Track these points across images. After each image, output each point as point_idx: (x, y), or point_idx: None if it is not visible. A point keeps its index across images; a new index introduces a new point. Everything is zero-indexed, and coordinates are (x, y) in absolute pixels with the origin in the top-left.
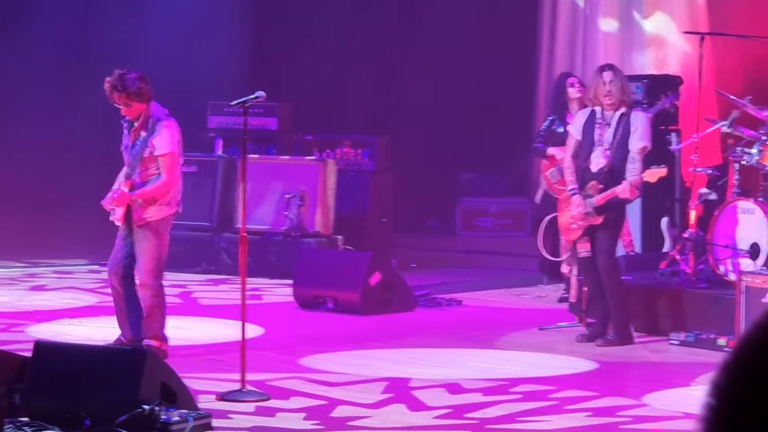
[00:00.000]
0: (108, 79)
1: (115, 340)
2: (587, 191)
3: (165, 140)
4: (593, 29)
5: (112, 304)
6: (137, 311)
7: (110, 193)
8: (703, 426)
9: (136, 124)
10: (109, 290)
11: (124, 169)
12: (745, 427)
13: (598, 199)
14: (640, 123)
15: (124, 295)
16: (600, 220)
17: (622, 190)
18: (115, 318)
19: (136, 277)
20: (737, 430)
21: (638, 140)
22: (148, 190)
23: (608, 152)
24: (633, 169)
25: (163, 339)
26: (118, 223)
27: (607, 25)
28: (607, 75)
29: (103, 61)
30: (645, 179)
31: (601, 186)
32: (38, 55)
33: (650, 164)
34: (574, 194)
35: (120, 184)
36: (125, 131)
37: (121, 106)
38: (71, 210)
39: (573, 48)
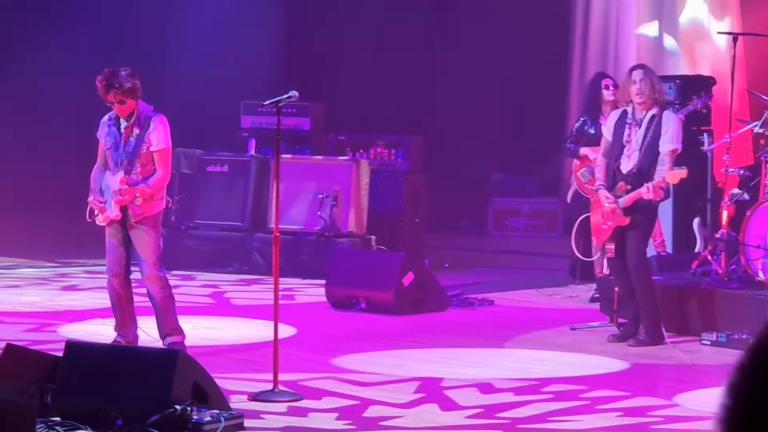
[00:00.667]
0: (99, 77)
1: (113, 342)
2: (615, 192)
3: (161, 135)
4: (625, 31)
5: (111, 305)
6: (133, 311)
7: (92, 195)
8: (720, 426)
9: (126, 122)
10: (137, 291)
11: (96, 167)
12: (760, 427)
13: (624, 201)
14: (671, 125)
15: (125, 296)
16: (627, 221)
17: (645, 191)
18: (115, 321)
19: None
20: (753, 429)
21: (668, 142)
22: (148, 185)
23: (637, 153)
24: (661, 171)
25: (181, 331)
26: (102, 223)
27: (639, 27)
28: (637, 74)
29: (139, 62)
30: (667, 180)
31: (629, 187)
32: (74, 58)
33: (681, 164)
34: (599, 189)
35: (112, 182)
36: (108, 129)
37: (114, 104)
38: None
39: (605, 49)
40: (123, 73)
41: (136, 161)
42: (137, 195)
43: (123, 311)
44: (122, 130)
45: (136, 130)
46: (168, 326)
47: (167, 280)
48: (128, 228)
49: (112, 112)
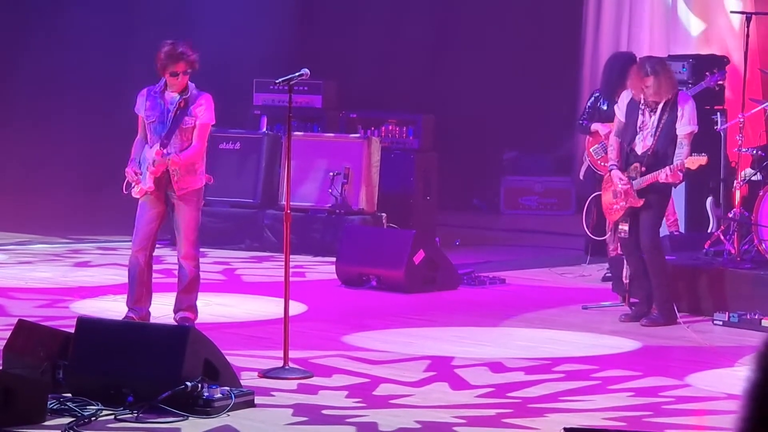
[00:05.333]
0: (167, 48)
1: (125, 317)
2: (629, 173)
3: (208, 111)
4: (639, 7)
5: (129, 280)
6: (151, 287)
7: (130, 166)
8: (747, 397)
9: (179, 96)
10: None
11: (137, 140)
12: None
13: (640, 183)
14: (687, 108)
15: (147, 271)
16: (641, 203)
17: (665, 176)
18: (129, 295)
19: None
20: None
21: (686, 125)
22: (185, 156)
23: (652, 138)
24: (680, 154)
25: (196, 310)
26: (137, 196)
27: (653, 3)
28: (649, 80)
29: (150, 40)
30: (686, 165)
31: (644, 169)
32: (90, 35)
33: (698, 146)
34: (612, 169)
35: (149, 154)
36: (151, 102)
37: (178, 75)
38: (115, 186)
39: (619, 26)
40: (184, 43)
41: (178, 134)
42: (176, 169)
43: (141, 287)
44: (169, 105)
45: (183, 104)
46: (186, 303)
47: (199, 259)
48: (172, 203)
49: (152, 86)
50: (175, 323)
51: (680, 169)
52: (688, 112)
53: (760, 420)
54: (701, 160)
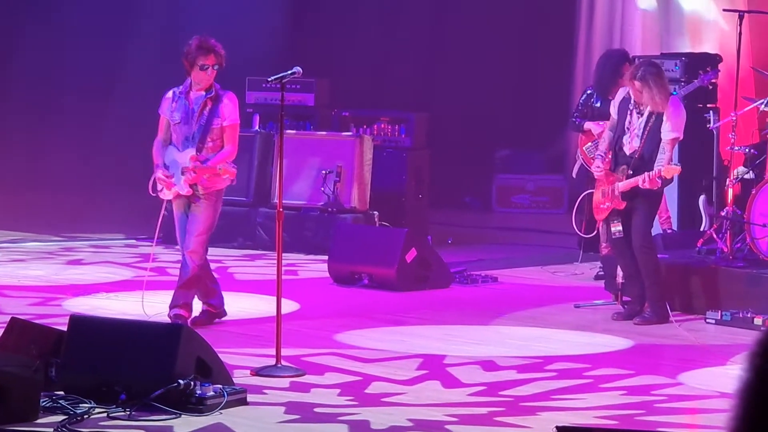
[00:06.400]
0: (197, 42)
1: (201, 314)
2: (617, 176)
3: (234, 110)
4: (631, 5)
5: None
6: (214, 278)
7: (159, 170)
8: (740, 397)
9: (205, 94)
10: (141, 264)
11: (157, 141)
12: None
13: (621, 186)
14: (674, 115)
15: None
16: (623, 205)
17: (642, 181)
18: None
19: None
20: None
21: (670, 131)
22: (218, 160)
23: (638, 139)
24: (660, 160)
25: (191, 309)
26: (167, 198)
27: (646, 1)
28: (638, 84)
29: (146, 39)
30: (663, 174)
31: (630, 171)
32: (87, 34)
33: (686, 142)
34: (596, 157)
35: (181, 158)
36: (176, 104)
37: (207, 69)
38: (109, 185)
39: (611, 24)
40: (213, 39)
41: (208, 136)
42: (210, 172)
43: (204, 279)
44: (194, 105)
45: (210, 104)
46: (182, 300)
47: (206, 259)
48: (191, 199)
49: (176, 87)
50: (169, 320)
51: (658, 176)
52: (674, 118)
53: (753, 419)
54: (676, 169)
